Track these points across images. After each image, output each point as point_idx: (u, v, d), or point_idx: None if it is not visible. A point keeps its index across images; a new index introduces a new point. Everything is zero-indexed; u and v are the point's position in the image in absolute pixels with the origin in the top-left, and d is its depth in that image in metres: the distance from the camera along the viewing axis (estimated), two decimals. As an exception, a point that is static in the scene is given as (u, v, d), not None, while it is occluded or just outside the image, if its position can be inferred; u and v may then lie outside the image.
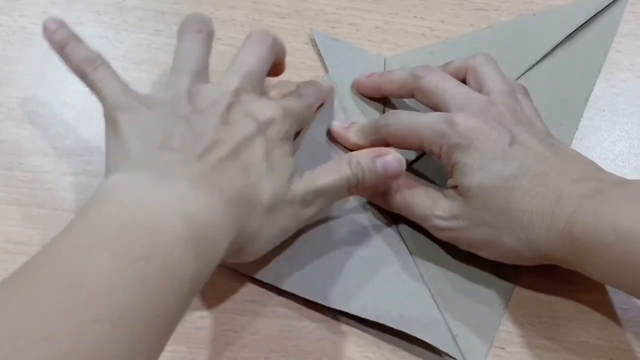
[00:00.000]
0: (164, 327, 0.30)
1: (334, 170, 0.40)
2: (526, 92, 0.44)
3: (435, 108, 0.43)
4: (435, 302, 0.41)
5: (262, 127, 0.39)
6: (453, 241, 0.41)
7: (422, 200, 0.41)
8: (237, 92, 0.39)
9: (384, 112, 0.47)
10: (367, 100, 0.47)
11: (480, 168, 0.39)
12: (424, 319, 0.41)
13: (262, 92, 0.42)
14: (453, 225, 0.40)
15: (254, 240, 0.37)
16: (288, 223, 0.39)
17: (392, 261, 0.42)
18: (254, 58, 0.42)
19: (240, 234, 0.35)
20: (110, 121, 0.39)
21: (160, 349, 0.30)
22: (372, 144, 0.43)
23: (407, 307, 0.41)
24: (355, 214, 0.44)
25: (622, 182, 0.38)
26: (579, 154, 0.41)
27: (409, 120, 0.42)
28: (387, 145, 0.42)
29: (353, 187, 0.40)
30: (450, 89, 0.42)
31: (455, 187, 0.40)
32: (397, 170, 0.40)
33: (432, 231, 0.41)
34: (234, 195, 0.35)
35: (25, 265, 0.29)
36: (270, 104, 0.40)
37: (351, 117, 0.46)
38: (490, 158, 0.39)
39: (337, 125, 0.46)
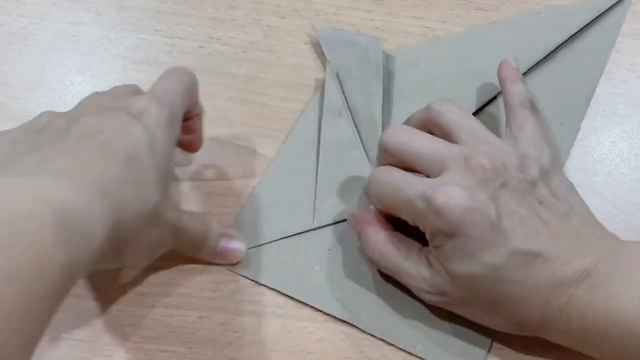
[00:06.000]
0: (34, 320, 0.28)
1: (199, 222, 0.40)
2: (534, 107, 0.42)
3: (412, 171, 0.39)
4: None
5: (136, 116, 0.36)
6: (443, 307, 0.40)
7: (405, 269, 0.39)
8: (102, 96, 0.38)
9: (383, 98, 0.46)
10: (366, 86, 0.47)
11: (468, 257, 0.36)
12: (426, 335, 0.41)
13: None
14: (441, 300, 0.38)
15: (132, 242, 0.35)
16: (162, 239, 0.38)
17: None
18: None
19: (119, 229, 0.33)
20: None
21: (33, 341, 0.28)
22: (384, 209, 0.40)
23: (413, 324, 0.41)
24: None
25: (612, 253, 0.36)
26: (568, 206, 0.38)
27: (390, 188, 0.38)
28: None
29: (199, 248, 0.41)
30: (420, 148, 0.38)
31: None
32: (232, 259, 0.42)
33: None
34: (109, 185, 0.33)
35: None
36: (142, 96, 0.38)
37: (350, 102, 0.47)
38: (477, 246, 0.35)
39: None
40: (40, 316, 0.28)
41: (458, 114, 0.40)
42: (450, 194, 0.35)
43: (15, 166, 0.33)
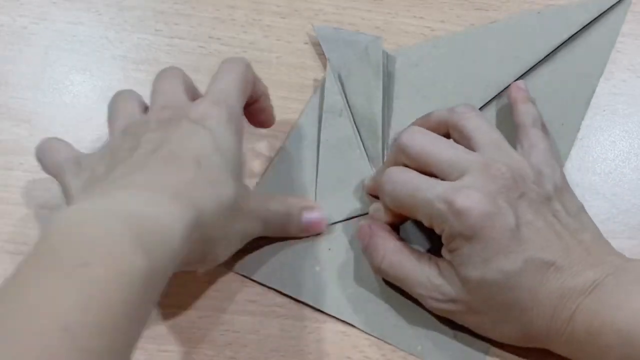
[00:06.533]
0: (123, 328, 0.29)
1: (280, 204, 0.42)
2: (545, 128, 0.43)
3: (428, 173, 0.39)
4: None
5: (198, 121, 0.37)
6: (449, 317, 0.40)
7: (415, 277, 0.39)
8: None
9: (383, 98, 0.46)
10: (366, 86, 0.47)
11: (483, 261, 0.36)
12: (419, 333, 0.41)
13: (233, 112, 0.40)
14: (450, 308, 0.39)
15: (220, 238, 0.37)
16: (250, 230, 0.40)
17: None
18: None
19: (201, 228, 0.34)
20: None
21: (127, 348, 0.29)
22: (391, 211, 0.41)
23: (407, 323, 0.41)
24: (351, 219, 0.44)
25: (621, 268, 0.37)
26: (579, 223, 0.39)
27: (407, 189, 0.38)
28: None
29: (287, 228, 0.42)
30: (440, 153, 0.39)
31: (451, 263, 0.38)
32: (317, 230, 0.43)
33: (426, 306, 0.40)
34: (182, 188, 0.34)
35: None
36: (200, 102, 0.39)
37: (350, 102, 0.47)
38: (494, 251, 0.36)
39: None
40: (129, 320, 0.29)
41: (483, 122, 0.41)
42: (472, 197, 0.36)
43: (93, 190, 0.35)
